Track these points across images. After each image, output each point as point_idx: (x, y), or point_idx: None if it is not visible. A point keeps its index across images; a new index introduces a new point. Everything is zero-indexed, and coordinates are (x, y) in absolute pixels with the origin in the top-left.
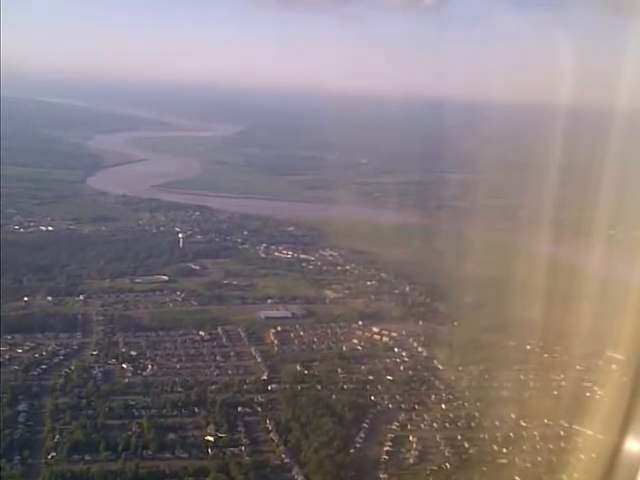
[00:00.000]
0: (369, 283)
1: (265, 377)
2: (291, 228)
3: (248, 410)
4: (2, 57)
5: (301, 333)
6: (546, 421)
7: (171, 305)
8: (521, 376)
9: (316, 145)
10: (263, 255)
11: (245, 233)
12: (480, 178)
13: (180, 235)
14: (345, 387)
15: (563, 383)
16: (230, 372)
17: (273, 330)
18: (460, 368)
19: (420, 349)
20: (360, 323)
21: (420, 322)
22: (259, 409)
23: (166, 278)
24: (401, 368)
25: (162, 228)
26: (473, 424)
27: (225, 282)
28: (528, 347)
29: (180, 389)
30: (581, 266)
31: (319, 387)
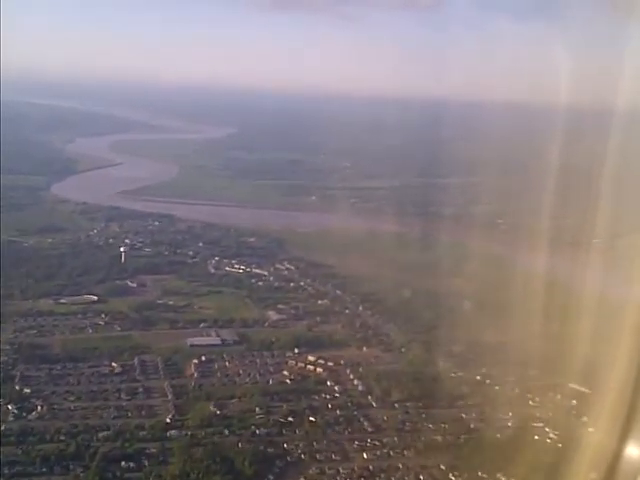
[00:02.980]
0: (320, 302)
1: (169, 420)
2: (252, 239)
3: (133, 465)
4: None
5: (226, 364)
6: (480, 474)
7: (90, 331)
8: (463, 415)
9: (304, 148)
10: (212, 270)
11: (200, 245)
12: (468, 182)
13: (122, 249)
14: (258, 432)
15: (509, 423)
16: (130, 414)
17: (196, 360)
18: (396, 405)
19: (356, 382)
20: (296, 351)
21: (364, 348)
22: (146, 463)
23: (95, 298)
24: (329, 406)
25: (111, 240)
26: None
27: (160, 302)
28: (478, 378)
29: (63, 437)
30: (559, 279)
31: (227, 432)
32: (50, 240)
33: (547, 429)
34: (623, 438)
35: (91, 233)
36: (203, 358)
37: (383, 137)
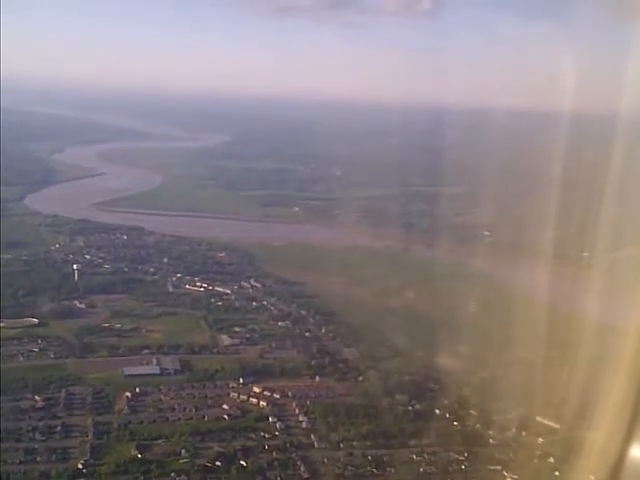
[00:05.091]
0: (280, 324)
1: (80, 465)
2: (222, 254)
3: None
4: None
5: (161, 397)
6: None
7: (21, 359)
8: (413, 456)
9: (297, 157)
10: (171, 289)
11: (165, 260)
12: (461, 192)
13: (75, 266)
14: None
15: (464, 466)
16: (39, 458)
17: (129, 393)
18: (341, 445)
19: (301, 418)
20: (241, 381)
21: (317, 378)
22: None
23: (35, 321)
24: (265, 447)
25: (71, 256)
26: None
27: (105, 325)
28: (437, 412)
29: None
30: (538, 298)
31: None
32: (9, 256)
33: (505, 473)
34: (627, 439)
35: (52, 248)
36: (137, 390)
37: (380, 145)
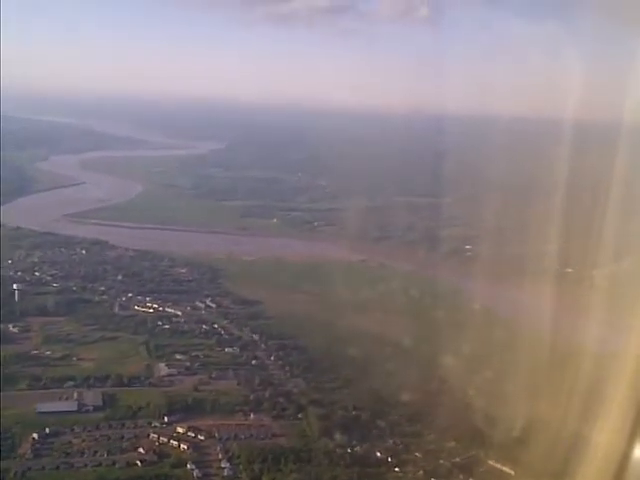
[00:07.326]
0: (227, 350)
1: None
2: (184, 270)
3: None
4: None
5: (72, 439)
6: None
7: None
8: None
9: (285, 165)
10: (117, 310)
11: (119, 278)
12: (447, 203)
13: (15, 286)
14: None
15: None
16: None
17: (36, 434)
18: None
19: (224, 464)
20: (166, 419)
21: (251, 415)
22: None
23: None
24: None
25: (20, 273)
26: None
27: (34, 353)
28: (379, 455)
29: None
30: (516, 319)
31: None
32: None
33: None
34: (631, 439)
35: (4, 265)
36: (47, 430)
37: (372, 154)
